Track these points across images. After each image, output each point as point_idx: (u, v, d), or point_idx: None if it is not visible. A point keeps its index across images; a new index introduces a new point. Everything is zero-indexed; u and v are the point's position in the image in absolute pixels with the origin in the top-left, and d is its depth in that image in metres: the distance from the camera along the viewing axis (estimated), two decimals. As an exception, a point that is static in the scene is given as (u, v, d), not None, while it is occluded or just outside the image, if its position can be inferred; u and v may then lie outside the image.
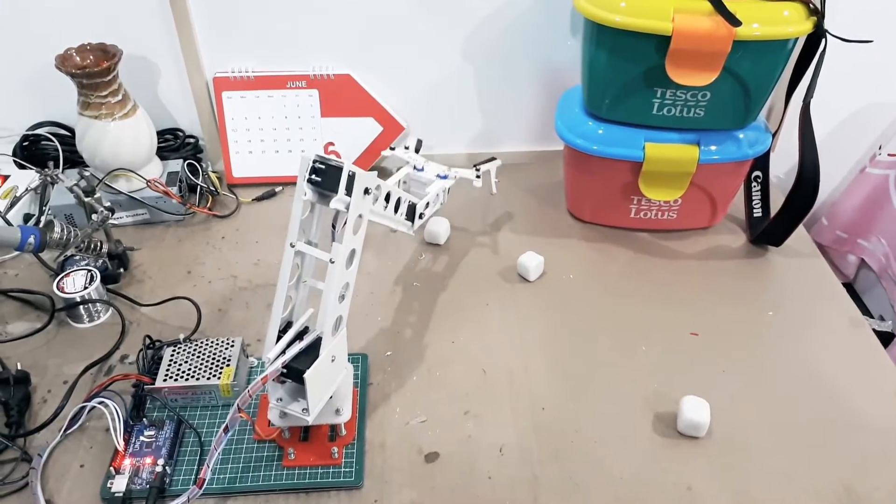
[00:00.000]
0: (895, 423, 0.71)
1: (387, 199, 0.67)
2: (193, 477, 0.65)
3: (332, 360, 0.61)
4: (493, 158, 0.94)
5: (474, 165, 0.90)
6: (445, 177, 0.87)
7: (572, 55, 0.98)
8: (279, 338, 0.61)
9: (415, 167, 0.87)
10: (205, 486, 0.58)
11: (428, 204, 0.81)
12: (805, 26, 0.76)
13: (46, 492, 0.64)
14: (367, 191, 0.59)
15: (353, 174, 0.57)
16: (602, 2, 0.77)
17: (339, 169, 0.57)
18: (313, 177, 0.57)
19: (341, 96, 1.00)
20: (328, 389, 0.62)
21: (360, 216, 0.59)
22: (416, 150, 0.91)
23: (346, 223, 0.57)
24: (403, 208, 0.73)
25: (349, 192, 0.57)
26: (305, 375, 0.57)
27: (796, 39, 0.79)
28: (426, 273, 0.89)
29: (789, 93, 0.88)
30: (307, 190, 0.58)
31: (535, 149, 1.10)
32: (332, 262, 0.58)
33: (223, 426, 0.57)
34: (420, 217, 0.78)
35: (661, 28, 0.75)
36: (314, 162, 0.57)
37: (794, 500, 0.64)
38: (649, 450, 0.68)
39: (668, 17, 0.75)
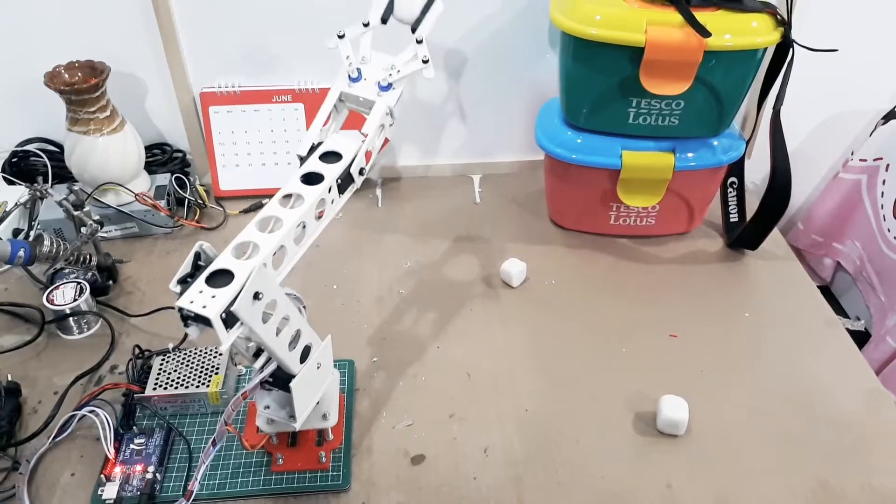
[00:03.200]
0: (868, 419, 0.73)
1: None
2: (183, 483, 0.66)
3: (318, 367, 0.62)
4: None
5: (416, 41, 0.70)
6: (388, 87, 0.68)
7: (551, 67, 1.01)
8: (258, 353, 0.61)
9: (349, 77, 0.68)
10: (193, 497, 0.59)
11: (354, 160, 0.62)
12: (773, 36, 0.79)
13: (38, 500, 0.65)
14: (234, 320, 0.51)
15: (223, 315, 0.50)
16: (578, 15, 0.80)
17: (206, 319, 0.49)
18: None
19: (326, 109, 1.02)
20: (314, 396, 0.64)
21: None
22: (384, 21, 0.71)
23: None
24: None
25: (229, 326, 0.51)
26: (291, 384, 0.59)
27: (765, 49, 0.82)
28: (411, 280, 0.91)
29: (761, 101, 0.91)
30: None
31: (517, 159, 1.12)
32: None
33: (211, 440, 0.58)
34: (361, 174, 0.64)
35: (635, 40, 0.78)
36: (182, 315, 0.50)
37: (770, 495, 0.66)
38: (630, 448, 0.70)
39: (642, 29, 0.77)
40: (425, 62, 0.69)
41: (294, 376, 0.59)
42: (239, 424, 0.71)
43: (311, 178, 0.60)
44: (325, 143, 0.64)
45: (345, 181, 0.62)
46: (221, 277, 0.51)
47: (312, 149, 0.65)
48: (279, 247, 0.55)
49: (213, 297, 0.50)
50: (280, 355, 0.57)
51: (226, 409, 0.57)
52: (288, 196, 0.59)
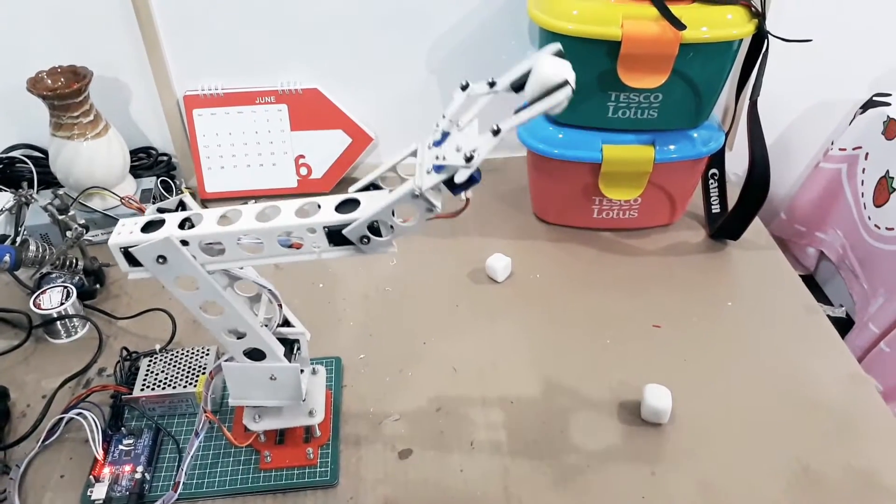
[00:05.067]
0: (848, 404, 0.74)
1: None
2: (172, 482, 0.67)
3: (272, 379, 0.62)
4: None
5: (493, 131, 0.52)
6: (441, 168, 0.51)
7: (532, 63, 1.02)
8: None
9: (434, 140, 0.54)
10: (181, 489, 0.60)
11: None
12: (748, 28, 0.80)
13: (28, 502, 0.66)
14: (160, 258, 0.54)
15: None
16: (555, 11, 0.80)
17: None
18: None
19: (310, 110, 1.03)
20: (261, 398, 0.64)
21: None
22: (515, 89, 0.55)
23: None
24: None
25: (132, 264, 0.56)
26: (222, 363, 0.61)
27: (741, 41, 0.83)
28: (397, 277, 0.91)
29: (739, 92, 0.92)
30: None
31: (500, 155, 1.13)
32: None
33: (193, 431, 0.59)
34: (363, 241, 0.54)
35: (612, 34, 0.78)
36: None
37: (753, 480, 0.67)
38: (614, 437, 0.71)
39: (618, 24, 0.78)
40: (468, 160, 0.51)
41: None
42: (227, 424, 0.72)
43: (314, 209, 0.55)
44: (365, 192, 0.56)
45: (335, 236, 0.54)
46: (156, 225, 0.55)
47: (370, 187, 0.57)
48: (216, 240, 0.54)
49: (130, 233, 0.55)
50: (212, 332, 0.59)
51: (203, 396, 0.60)
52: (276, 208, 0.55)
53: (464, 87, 0.57)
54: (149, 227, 0.55)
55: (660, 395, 0.72)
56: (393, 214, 0.53)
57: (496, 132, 0.51)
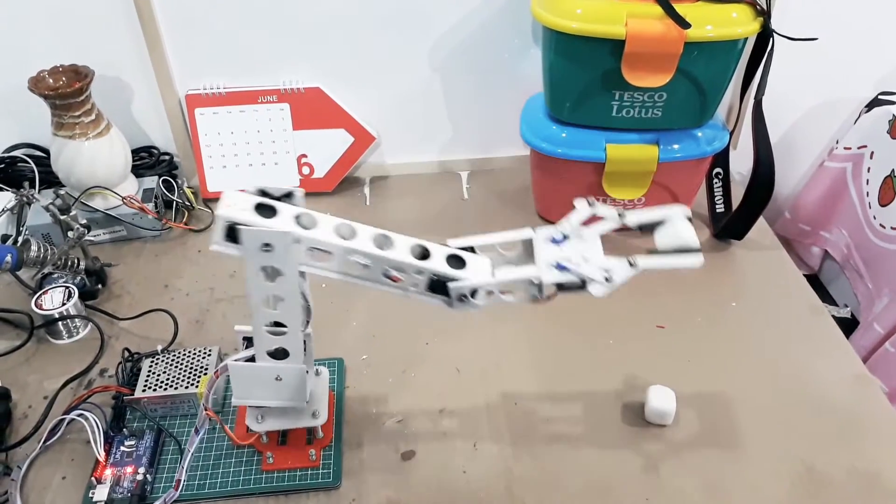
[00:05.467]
0: (854, 405, 0.74)
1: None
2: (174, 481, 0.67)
3: (278, 380, 0.62)
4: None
5: (630, 263, 0.59)
6: (564, 268, 0.58)
7: (535, 62, 1.01)
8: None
9: (553, 236, 0.60)
10: (182, 487, 0.60)
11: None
12: (753, 27, 0.79)
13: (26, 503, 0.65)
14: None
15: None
16: (559, 10, 0.80)
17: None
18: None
19: (312, 109, 1.02)
20: (263, 398, 0.64)
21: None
22: (641, 230, 0.61)
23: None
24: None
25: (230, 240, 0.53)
26: (228, 363, 0.60)
27: (746, 39, 0.82)
28: (400, 278, 0.91)
29: (743, 91, 0.91)
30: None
31: (504, 155, 1.13)
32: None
33: (194, 428, 0.59)
34: (461, 300, 0.58)
35: (616, 33, 0.78)
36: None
37: (758, 481, 0.67)
38: (618, 439, 0.71)
39: (622, 22, 0.78)
40: (607, 280, 0.57)
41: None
42: (229, 424, 0.71)
43: (424, 252, 0.58)
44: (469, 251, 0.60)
45: (436, 285, 0.57)
46: (269, 211, 0.54)
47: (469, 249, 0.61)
48: (330, 250, 0.55)
49: (243, 209, 0.52)
50: (255, 321, 0.58)
51: (204, 394, 0.59)
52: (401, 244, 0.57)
53: (591, 204, 0.61)
54: (260, 209, 0.53)
55: (664, 396, 0.71)
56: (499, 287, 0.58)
57: (633, 265, 0.57)
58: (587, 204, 0.61)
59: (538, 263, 0.58)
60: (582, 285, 0.58)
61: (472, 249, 0.60)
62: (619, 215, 0.60)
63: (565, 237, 0.60)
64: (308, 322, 0.61)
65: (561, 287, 0.58)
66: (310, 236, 0.54)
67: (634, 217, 0.60)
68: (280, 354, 0.61)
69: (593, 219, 0.61)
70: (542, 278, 0.57)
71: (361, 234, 0.56)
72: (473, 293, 0.57)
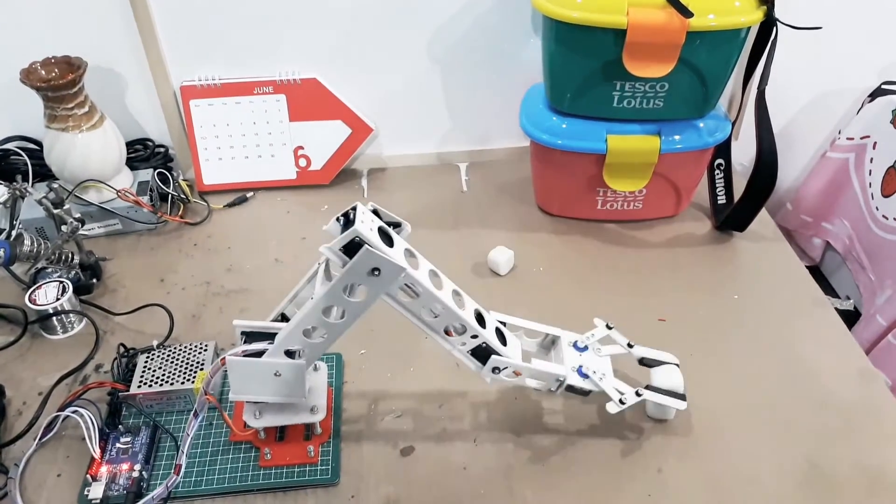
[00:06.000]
0: (857, 399, 0.73)
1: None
2: (173, 466, 0.65)
3: (277, 375, 0.62)
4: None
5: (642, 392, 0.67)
6: (585, 348, 0.69)
7: (535, 52, 1.00)
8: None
9: (577, 342, 0.70)
10: (182, 471, 0.60)
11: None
12: (756, 15, 0.78)
13: (24, 501, 0.64)
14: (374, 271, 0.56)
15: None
16: (559, -2, 0.79)
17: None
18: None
19: (309, 100, 1.01)
20: (260, 393, 0.63)
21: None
22: (641, 363, 0.71)
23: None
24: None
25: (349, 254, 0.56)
26: (227, 357, 0.60)
27: (748, 29, 0.81)
28: (398, 271, 0.90)
29: (746, 81, 0.90)
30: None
31: (503, 146, 1.12)
32: (312, 298, 0.58)
33: (192, 411, 0.59)
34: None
35: (617, 22, 0.77)
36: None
37: (761, 477, 0.66)
38: (620, 434, 0.70)
39: (624, 11, 0.76)
40: (622, 402, 0.66)
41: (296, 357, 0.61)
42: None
43: (481, 318, 0.63)
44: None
45: (481, 352, 0.63)
46: (388, 239, 0.57)
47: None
48: (419, 293, 0.59)
49: (371, 229, 0.55)
50: (298, 324, 0.58)
51: (205, 378, 0.59)
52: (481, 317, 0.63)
53: (609, 327, 0.71)
54: (382, 233, 0.57)
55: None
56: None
57: (639, 395, 0.66)
58: (606, 327, 0.71)
59: (565, 364, 0.66)
60: (587, 394, 0.67)
61: (503, 324, 0.67)
62: (629, 346, 0.70)
63: (586, 347, 0.69)
64: None
65: (571, 389, 0.66)
66: (414, 277, 0.57)
67: (640, 352, 0.70)
68: (295, 354, 0.61)
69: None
70: (567, 379, 0.65)
71: (445, 287, 0.60)
72: (504, 368, 0.63)
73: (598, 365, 0.67)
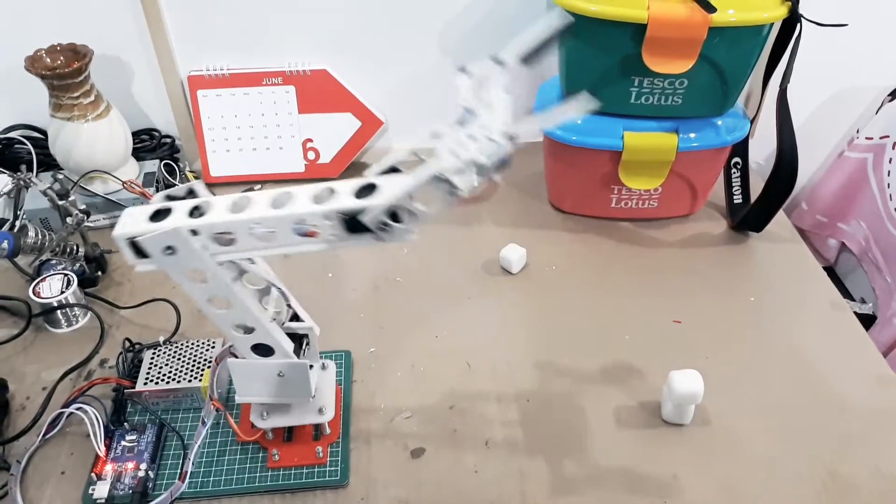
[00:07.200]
0: (877, 405, 0.71)
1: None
2: (179, 472, 0.64)
3: (280, 375, 0.60)
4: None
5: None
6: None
7: (550, 45, 0.98)
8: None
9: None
10: (188, 479, 0.58)
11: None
12: (780, 11, 0.76)
13: (27, 500, 0.63)
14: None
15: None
16: (577, -9, 0.77)
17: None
18: None
19: (318, 92, 0.99)
20: (265, 395, 0.62)
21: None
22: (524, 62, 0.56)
23: None
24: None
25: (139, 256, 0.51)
26: (228, 361, 0.58)
27: (771, 25, 0.79)
28: (409, 268, 0.89)
29: (766, 79, 0.88)
30: None
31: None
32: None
33: (200, 419, 0.58)
34: (384, 229, 0.49)
35: (637, 16, 0.75)
36: None
37: (778, 484, 0.65)
38: (634, 438, 0.69)
39: (644, 5, 0.75)
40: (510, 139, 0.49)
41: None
42: (234, 419, 0.69)
43: (331, 194, 0.50)
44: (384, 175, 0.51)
45: (353, 224, 0.49)
46: (163, 214, 0.51)
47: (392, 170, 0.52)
48: (228, 229, 0.50)
49: (137, 222, 0.50)
50: (219, 326, 0.56)
51: (208, 383, 0.58)
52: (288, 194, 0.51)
53: (463, 70, 0.54)
54: (157, 215, 0.51)
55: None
56: (412, 199, 0.48)
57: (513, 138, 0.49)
58: (464, 74, 0.54)
59: (438, 155, 0.48)
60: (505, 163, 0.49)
61: (396, 169, 0.51)
62: (498, 62, 0.54)
63: (470, 112, 0.52)
64: (289, 307, 0.59)
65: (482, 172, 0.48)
66: (201, 223, 0.49)
67: (510, 52, 0.55)
68: (264, 351, 0.59)
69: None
70: (442, 170, 0.47)
71: (257, 201, 0.50)
72: (395, 218, 0.49)
73: (488, 123, 0.50)
